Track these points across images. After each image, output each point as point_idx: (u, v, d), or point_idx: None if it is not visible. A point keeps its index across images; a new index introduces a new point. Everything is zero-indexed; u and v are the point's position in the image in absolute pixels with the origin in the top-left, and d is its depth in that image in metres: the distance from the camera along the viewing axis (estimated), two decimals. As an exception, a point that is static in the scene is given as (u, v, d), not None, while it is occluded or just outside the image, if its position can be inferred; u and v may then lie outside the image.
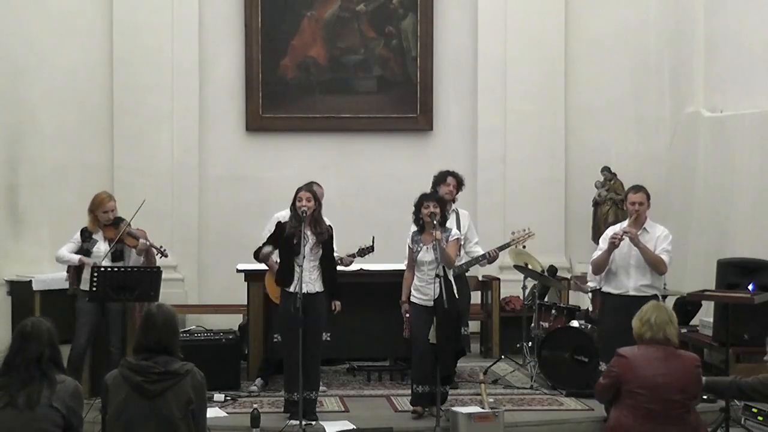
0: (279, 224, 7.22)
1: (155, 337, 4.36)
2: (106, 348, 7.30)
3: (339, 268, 7.45)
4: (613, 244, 6.94)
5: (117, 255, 7.41)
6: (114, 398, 4.29)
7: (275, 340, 7.94)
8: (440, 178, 8.13)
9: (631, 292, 6.97)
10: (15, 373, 4.19)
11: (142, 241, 7.45)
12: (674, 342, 5.26)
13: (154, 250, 7.59)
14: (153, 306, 4.52)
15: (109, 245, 7.38)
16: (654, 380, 5.12)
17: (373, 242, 7.98)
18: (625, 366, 5.24)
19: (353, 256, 7.93)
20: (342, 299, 7.24)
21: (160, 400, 4.26)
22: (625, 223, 7.15)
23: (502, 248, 8.31)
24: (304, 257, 6.89)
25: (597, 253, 7.20)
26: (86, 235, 7.45)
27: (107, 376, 4.40)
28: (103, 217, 7.44)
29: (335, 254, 7.29)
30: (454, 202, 8.13)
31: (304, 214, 6.94)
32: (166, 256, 7.66)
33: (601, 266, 7.11)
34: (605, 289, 7.18)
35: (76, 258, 7.33)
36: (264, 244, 7.32)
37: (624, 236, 6.93)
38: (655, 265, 6.98)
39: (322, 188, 7.78)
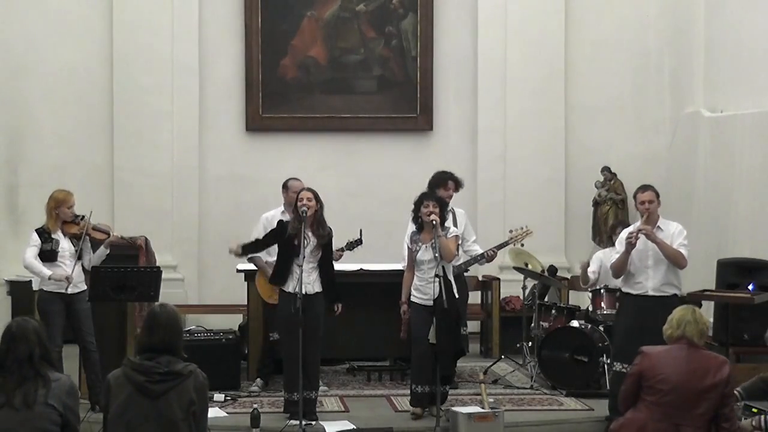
0: (281, 222, 7.21)
1: (159, 337, 4.33)
2: (85, 348, 7.14)
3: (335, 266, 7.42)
4: (630, 244, 6.85)
5: (78, 252, 7.18)
6: (116, 398, 4.28)
7: (271, 338, 7.94)
8: (440, 181, 7.95)
9: (651, 293, 6.90)
10: (8, 374, 4.20)
11: (115, 234, 7.30)
12: (695, 341, 5.23)
13: (142, 247, 7.52)
14: (156, 306, 4.49)
15: (72, 242, 7.17)
16: (672, 378, 5.12)
17: (360, 235, 7.99)
18: (646, 363, 5.25)
19: (342, 250, 7.91)
20: (342, 300, 7.21)
21: (163, 400, 4.25)
22: (638, 224, 7.03)
23: (500, 247, 8.27)
24: (304, 258, 6.89)
25: (614, 257, 7.12)
26: (45, 235, 7.13)
27: (110, 375, 4.39)
28: (67, 213, 7.18)
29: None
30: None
31: (304, 214, 6.93)
32: (136, 245, 7.57)
33: (620, 269, 7.02)
34: (624, 289, 7.11)
35: (47, 273, 7.01)
36: (256, 240, 7.35)
37: (640, 234, 6.85)
38: (674, 260, 6.90)
39: (300, 182, 7.77)
